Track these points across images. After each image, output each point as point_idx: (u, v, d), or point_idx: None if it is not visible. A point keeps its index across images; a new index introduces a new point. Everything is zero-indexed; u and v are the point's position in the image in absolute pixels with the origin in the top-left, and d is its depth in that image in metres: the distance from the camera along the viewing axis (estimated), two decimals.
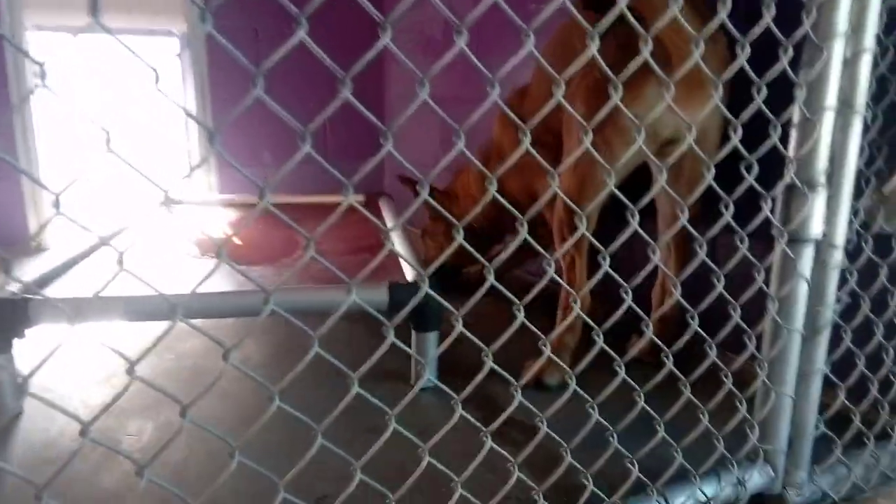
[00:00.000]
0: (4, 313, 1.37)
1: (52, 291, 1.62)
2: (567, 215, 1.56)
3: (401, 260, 1.92)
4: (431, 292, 0.78)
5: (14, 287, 1.50)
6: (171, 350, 1.83)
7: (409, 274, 1.79)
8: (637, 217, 0.88)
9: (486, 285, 0.78)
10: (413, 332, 1.60)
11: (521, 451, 0.88)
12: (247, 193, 3.34)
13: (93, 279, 1.80)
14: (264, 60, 0.62)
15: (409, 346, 1.61)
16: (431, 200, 0.77)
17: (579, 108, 1.41)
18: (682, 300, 0.98)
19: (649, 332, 0.95)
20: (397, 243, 2.23)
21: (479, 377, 0.81)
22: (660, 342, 0.98)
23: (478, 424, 0.84)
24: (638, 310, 0.93)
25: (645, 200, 0.89)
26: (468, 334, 0.79)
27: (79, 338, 1.83)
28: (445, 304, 0.81)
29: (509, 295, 0.80)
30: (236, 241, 2.71)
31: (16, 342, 1.43)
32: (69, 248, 1.99)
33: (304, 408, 0.72)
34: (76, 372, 1.65)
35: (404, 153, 0.71)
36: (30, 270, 1.59)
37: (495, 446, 0.85)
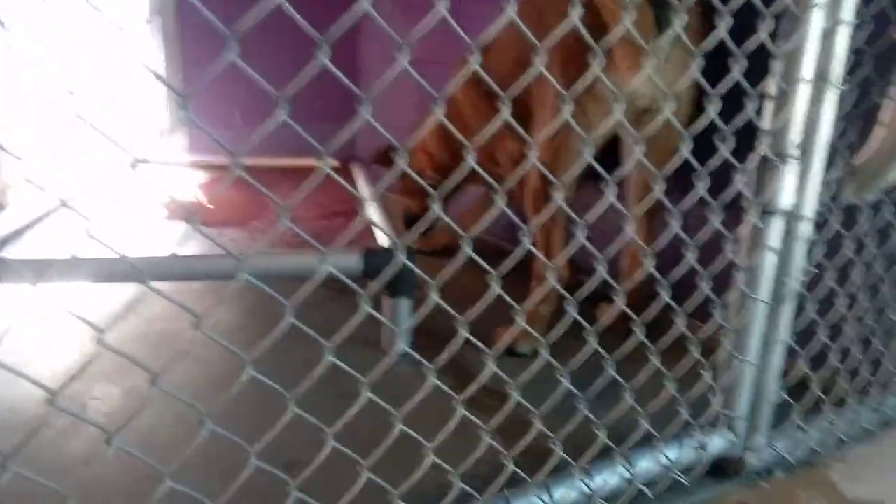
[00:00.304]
0: None
1: (15, 252, 1.58)
2: (542, 186, 1.55)
3: (374, 227, 1.91)
4: (407, 261, 0.77)
5: None
6: (138, 314, 1.80)
7: (383, 240, 1.78)
8: (615, 188, 0.88)
9: (462, 256, 0.78)
10: (386, 299, 1.60)
11: (493, 416, 0.89)
12: (218, 154, 3.27)
13: (58, 239, 1.76)
14: (237, 21, 0.60)
15: (382, 312, 1.61)
16: (408, 169, 0.76)
17: (555, 77, 1.40)
18: (652, 270, 0.99)
19: (620, 302, 0.96)
20: (371, 209, 2.22)
21: (454, 348, 0.81)
22: (629, 311, 0.99)
23: (450, 392, 0.85)
24: (609, 279, 0.93)
25: (624, 171, 0.89)
26: (444, 305, 0.79)
27: (43, 300, 1.80)
28: (421, 273, 0.81)
29: (485, 266, 0.80)
30: (207, 203, 2.66)
31: None
32: (31, 207, 1.94)
33: (274, 372, 0.72)
34: (40, 335, 1.62)
35: (378, 117, 0.69)
36: None
37: (467, 413, 0.86)
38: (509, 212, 0.80)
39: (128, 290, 1.85)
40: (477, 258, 0.78)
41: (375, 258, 1.52)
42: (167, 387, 0.69)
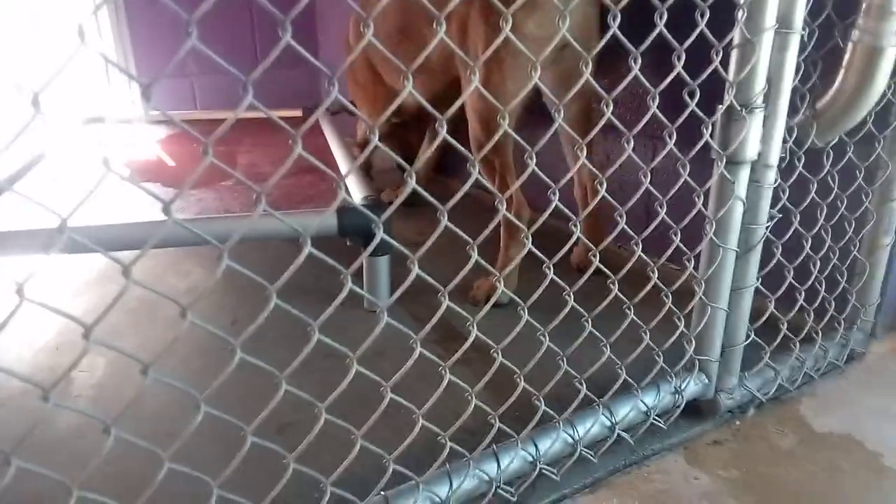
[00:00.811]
0: None
1: None
2: (484, 132, 1.56)
3: (347, 181, 1.89)
4: (374, 216, 0.77)
5: None
6: (114, 280, 1.79)
7: (357, 195, 1.77)
8: (561, 113, 0.87)
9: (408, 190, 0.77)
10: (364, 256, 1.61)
11: (477, 372, 0.92)
12: (176, 109, 3.19)
13: (15, 209, 1.72)
14: None
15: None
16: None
17: (481, 23, 1.45)
18: (608, 196, 0.99)
19: (578, 232, 0.95)
20: (341, 161, 2.19)
21: (437, 316, 0.83)
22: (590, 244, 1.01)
23: (436, 360, 0.87)
24: (565, 209, 0.93)
25: (561, 102, 0.87)
26: (424, 276, 0.80)
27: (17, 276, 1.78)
28: (401, 248, 0.81)
29: (462, 234, 0.81)
30: (169, 161, 2.60)
31: None
32: None
33: (260, 336, 0.72)
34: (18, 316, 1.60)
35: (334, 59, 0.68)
36: None
37: (454, 378, 0.88)
38: (455, 143, 0.79)
39: (101, 257, 1.83)
40: (426, 195, 0.78)
41: (350, 216, 1.53)
42: (157, 368, 0.69)
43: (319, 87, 3.48)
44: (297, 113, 2.86)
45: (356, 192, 1.78)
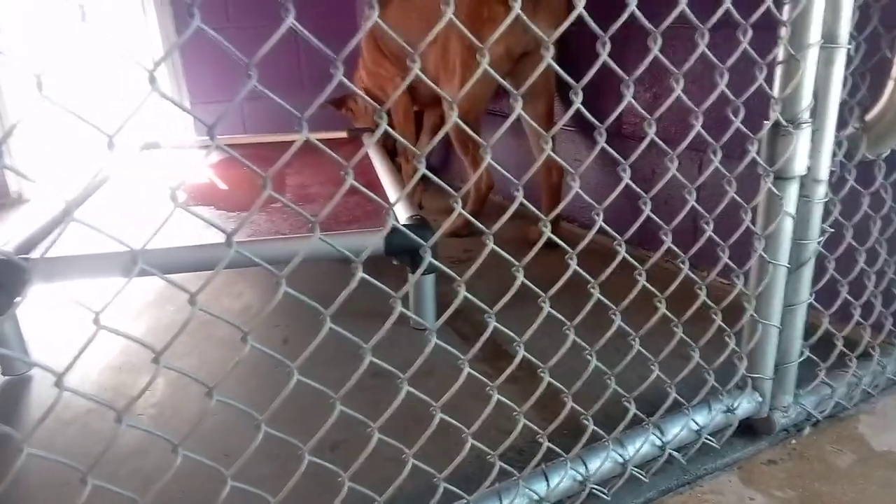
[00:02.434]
0: (3, 274, 1.38)
1: (45, 246, 1.62)
2: (461, 133, 2.00)
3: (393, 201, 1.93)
4: (416, 237, 0.80)
5: (10, 246, 1.50)
6: (171, 301, 1.86)
7: (402, 214, 1.80)
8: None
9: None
10: (410, 275, 1.63)
11: (524, 390, 0.93)
12: (226, 133, 3.29)
13: (81, 232, 1.80)
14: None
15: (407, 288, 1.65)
16: (393, 131, 0.78)
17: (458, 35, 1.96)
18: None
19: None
20: (387, 182, 2.23)
21: (484, 336, 0.84)
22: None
23: (484, 379, 0.88)
24: (609, 229, 0.93)
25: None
26: (472, 298, 0.82)
27: (77, 300, 1.86)
28: (448, 270, 0.83)
29: (510, 258, 0.83)
30: (221, 185, 2.68)
31: (18, 302, 1.45)
32: (51, 201, 1.97)
33: (312, 357, 0.74)
34: (80, 336, 1.67)
35: None
36: (14, 224, 1.59)
37: (502, 398, 0.89)
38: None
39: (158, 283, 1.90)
40: (475, 222, 0.80)
41: (396, 237, 1.55)
42: (208, 379, 0.72)
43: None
44: (343, 134, 2.93)
45: (401, 211, 1.81)
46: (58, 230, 1.78)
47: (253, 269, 1.90)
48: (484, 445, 0.92)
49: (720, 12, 0.89)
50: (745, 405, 1.15)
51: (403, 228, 0.90)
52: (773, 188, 1.03)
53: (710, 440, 1.12)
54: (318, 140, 0.69)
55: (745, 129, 0.98)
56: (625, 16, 0.80)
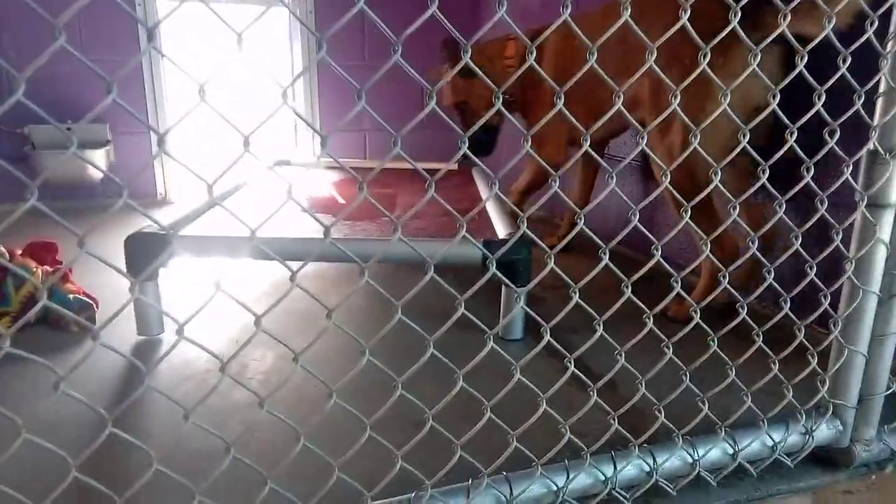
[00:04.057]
0: (152, 246, 1.59)
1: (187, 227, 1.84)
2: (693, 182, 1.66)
3: (494, 221, 2.04)
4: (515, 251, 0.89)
5: (157, 226, 1.72)
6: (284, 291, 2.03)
7: (501, 231, 1.91)
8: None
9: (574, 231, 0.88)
10: (503, 288, 1.73)
11: (605, 399, 0.99)
12: (349, 157, 3.55)
13: (218, 225, 2.01)
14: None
15: (500, 300, 1.74)
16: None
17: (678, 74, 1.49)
18: (759, 255, 1.05)
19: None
20: (491, 206, 2.35)
21: (587, 344, 0.92)
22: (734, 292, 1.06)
23: (585, 379, 0.97)
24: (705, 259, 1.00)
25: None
26: (583, 305, 0.91)
27: (211, 274, 2.08)
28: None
29: (619, 273, 0.91)
30: (339, 199, 2.90)
31: (160, 272, 1.66)
32: (193, 201, 2.22)
33: (399, 348, 0.85)
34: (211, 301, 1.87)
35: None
36: (161, 218, 1.82)
37: (600, 401, 0.99)
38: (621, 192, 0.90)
39: (281, 270, 2.09)
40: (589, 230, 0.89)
41: (494, 249, 1.65)
42: (310, 357, 0.83)
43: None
44: (454, 166, 3.10)
45: (500, 228, 1.92)
46: (200, 217, 2.01)
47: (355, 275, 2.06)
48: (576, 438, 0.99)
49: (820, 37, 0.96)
50: (824, 431, 1.15)
51: (500, 239, 0.99)
52: (867, 214, 1.06)
53: (783, 458, 1.13)
54: (429, 168, 0.82)
55: (840, 152, 1.02)
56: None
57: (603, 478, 1.02)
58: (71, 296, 1.75)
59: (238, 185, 2.64)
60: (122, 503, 0.72)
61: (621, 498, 1.03)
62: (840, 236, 1.07)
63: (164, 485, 0.81)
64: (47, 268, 1.81)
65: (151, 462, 0.75)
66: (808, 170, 1.02)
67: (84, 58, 0.67)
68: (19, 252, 1.82)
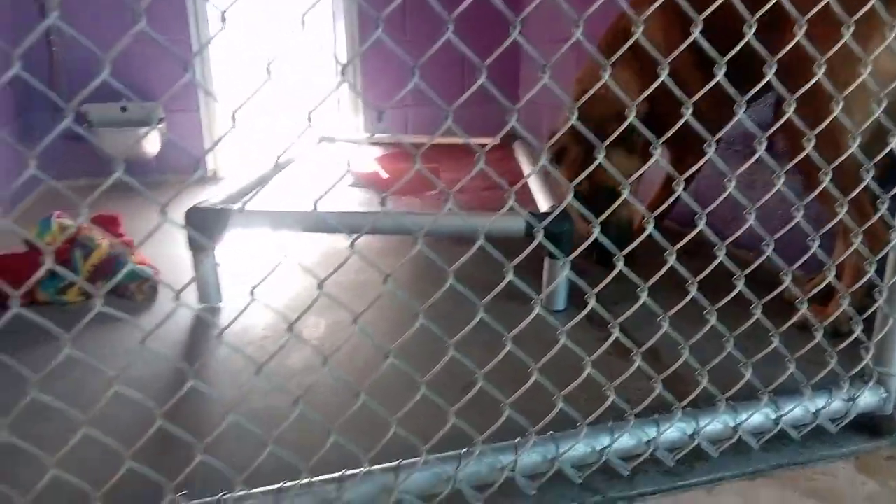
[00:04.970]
0: (210, 220, 1.66)
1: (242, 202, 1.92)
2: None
3: (535, 194, 2.07)
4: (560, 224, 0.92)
5: (213, 200, 1.80)
6: (334, 264, 2.10)
7: (543, 205, 1.94)
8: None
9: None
10: (546, 259, 1.76)
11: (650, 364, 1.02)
12: (391, 133, 3.60)
13: (268, 200, 2.08)
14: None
15: (543, 271, 1.78)
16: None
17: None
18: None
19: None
20: (532, 180, 2.38)
21: (630, 311, 0.96)
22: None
23: (630, 344, 1.02)
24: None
25: None
26: (627, 270, 0.94)
27: (269, 246, 2.16)
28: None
29: (664, 242, 0.93)
30: (383, 174, 2.96)
31: (218, 244, 1.73)
32: (242, 177, 2.29)
33: (447, 316, 0.89)
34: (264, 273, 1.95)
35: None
36: (210, 195, 1.89)
37: (644, 365, 1.02)
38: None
39: (327, 244, 2.16)
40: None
41: (537, 220, 1.68)
42: (361, 323, 0.88)
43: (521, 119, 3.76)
44: (496, 141, 3.12)
45: (542, 202, 1.95)
46: (252, 192, 2.09)
47: (404, 249, 2.11)
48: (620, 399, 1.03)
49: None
50: (867, 398, 1.16)
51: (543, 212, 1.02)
52: None
53: (826, 424, 1.15)
54: (471, 142, 0.85)
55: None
56: None
57: (646, 439, 1.05)
58: (137, 266, 1.84)
59: (288, 161, 2.71)
60: (202, 449, 0.79)
61: (664, 459, 1.07)
62: (886, 205, 1.07)
63: (233, 436, 0.88)
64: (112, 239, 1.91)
65: (225, 414, 0.81)
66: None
67: (160, 38, 0.72)
68: (85, 225, 1.93)
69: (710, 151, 0.95)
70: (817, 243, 1.04)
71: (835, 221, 1.08)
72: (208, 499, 0.88)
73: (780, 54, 0.93)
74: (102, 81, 0.66)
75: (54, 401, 0.69)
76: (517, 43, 0.82)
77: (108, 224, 1.96)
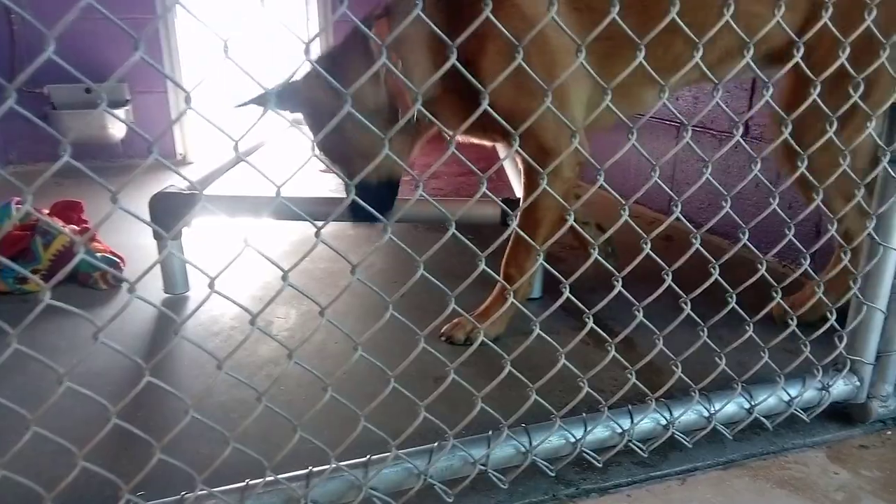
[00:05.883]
0: (176, 205, 1.61)
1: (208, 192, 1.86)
2: None
3: (512, 181, 2.04)
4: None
5: (181, 185, 1.74)
6: (303, 252, 2.06)
7: (518, 192, 1.91)
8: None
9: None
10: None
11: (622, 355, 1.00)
12: None
13: (236, 186, 2.03)
14: None
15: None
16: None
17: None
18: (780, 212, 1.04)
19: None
20: (507, 165, 2.35)
21: (605, 300, 0.93)
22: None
23: (603, 335, 1.00)
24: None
25: None
26: (601, 259, 0.91)
27: (234, 233, 2.11)
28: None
29: (638, 230, 0.91)
30: None
31: (184, 231, 1.68)
32: (212, 161, 2.23)
33: (415, 308, 0.86)
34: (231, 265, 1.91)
35: None
36: (180, 178, 1.84)
37: (618, 356, 1.00)
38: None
39: (301, 231, 2.12)
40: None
41: (513, 207, 1.65)
42: (331, 315, 0.83)
43: None
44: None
45: (518, 188, 1.92)
46: (222, 176, 2.03)
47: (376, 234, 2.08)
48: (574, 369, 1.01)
49: None
50: (840, 386, 1.16)
51: (494, 198, 1.00)
52: (889, 169, 1.05)
53: (799, 413, 1.14)
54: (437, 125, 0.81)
55: (864, 107, 1.01)
56: None
57: (620, 430, 1.04)
58: (98, 254, 1.78)
59: (257, 145, 2.65)
60: (160, 448, 0.75)
61: (638, 450, 1.06)
62: (861, 191, 1.06)
63: (196, 433, 0.84)
64: (74, 227, 1.85)
65: (187, 410, 0.77)
66: (831, 124, 1.01)
67: (112, 16, 0.68)
68: (46, 212, 1.86)
69: (687, 136, 0.93)
70: (792, 232, 1.03)
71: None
72: (168, 499, 0.85)
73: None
74: (56, 61, 0.62)
75: (1, 398, 0.65)
76: None
77: (70, 211, 1.89)
